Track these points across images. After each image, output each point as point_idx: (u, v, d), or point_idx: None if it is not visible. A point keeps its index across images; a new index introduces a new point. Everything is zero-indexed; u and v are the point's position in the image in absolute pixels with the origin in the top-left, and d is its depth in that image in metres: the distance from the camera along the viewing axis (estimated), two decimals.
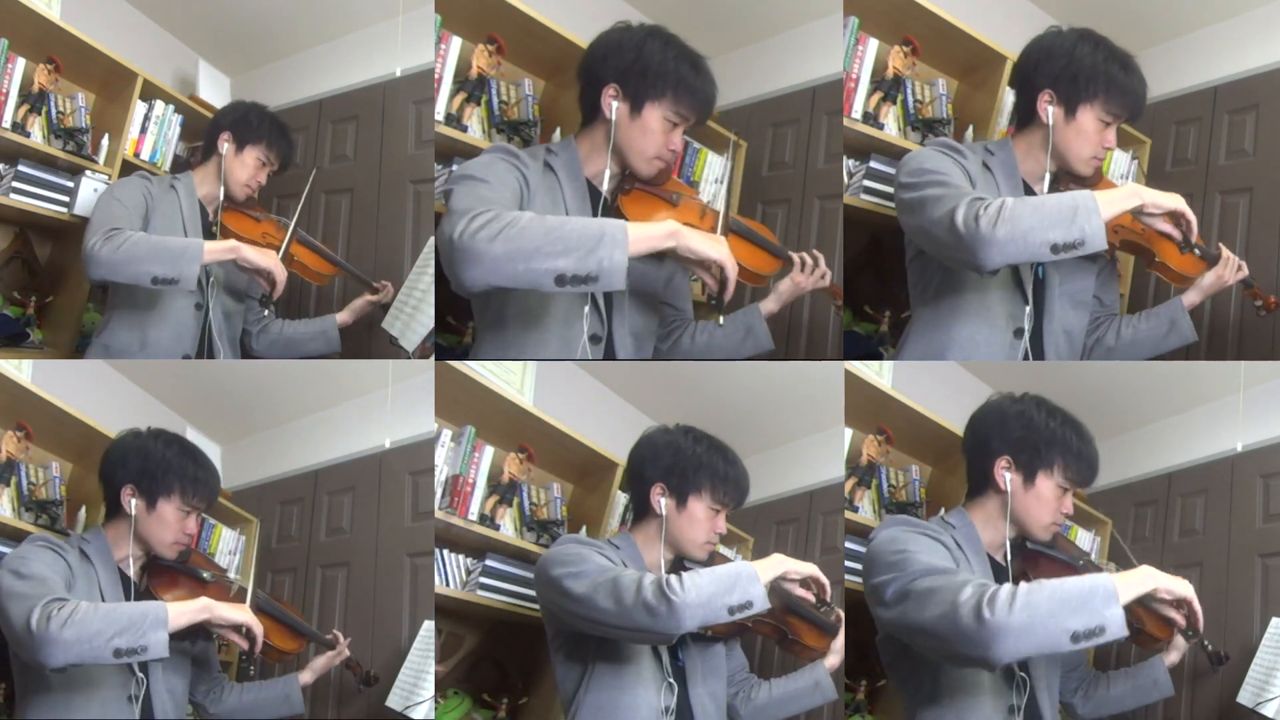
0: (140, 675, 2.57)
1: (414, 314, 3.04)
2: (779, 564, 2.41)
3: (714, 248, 2.41)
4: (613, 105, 2.56)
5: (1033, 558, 2.52)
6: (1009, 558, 2.49)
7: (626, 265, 2.30)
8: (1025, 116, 2.66)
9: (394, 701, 3.06)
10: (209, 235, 2.98)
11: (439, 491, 3.03)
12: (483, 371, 2.98)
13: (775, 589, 2.45)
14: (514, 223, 2.30)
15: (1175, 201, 2.47)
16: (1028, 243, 2.34)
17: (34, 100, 3.16)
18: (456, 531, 3.06)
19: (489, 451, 3.10)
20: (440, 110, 3.03)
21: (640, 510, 2.67)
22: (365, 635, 3.18)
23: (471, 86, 3.08)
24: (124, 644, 2.35)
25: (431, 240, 3.06)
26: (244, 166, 3.02)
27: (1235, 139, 3.19)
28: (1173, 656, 2.86)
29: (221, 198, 3.00)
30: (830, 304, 3.08)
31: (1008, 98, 3.18)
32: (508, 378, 3.09)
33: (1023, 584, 2.12)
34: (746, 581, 2.32)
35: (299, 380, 3.40)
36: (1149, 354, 2.80)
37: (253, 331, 3.13)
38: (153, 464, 2.64)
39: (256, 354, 3.15)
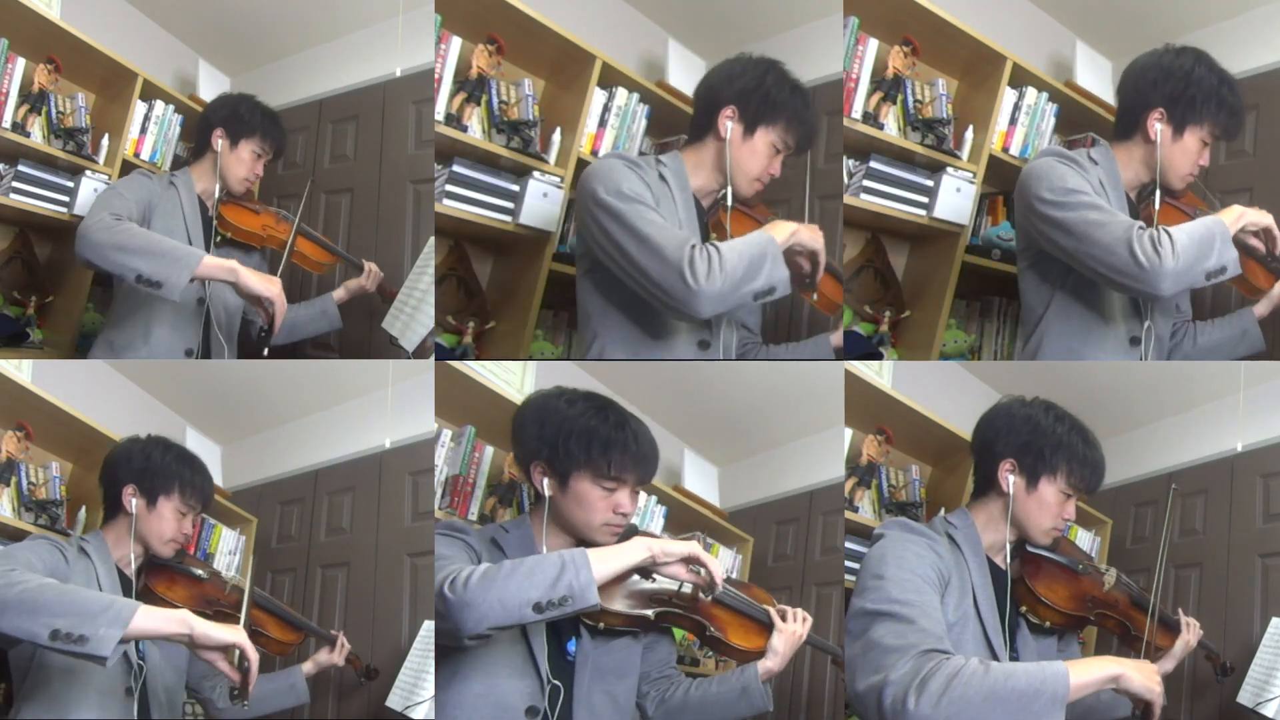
0: (139, 664, 2.56)
1: (414, 314, 3.04)
2: (640, 548, 2.14)
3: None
4: (728, 125, 2.65)
5: (1033, 560, 2.51)
6: (1009, 560, 2.48)
7: None
8: (1129, 128, 2.73)
9: (394, 701, 3.06)
10: (209, 230, 2.99)
11: (439, 491, 3.03)
12: (483, 371, 2.98)
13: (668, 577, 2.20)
14: None
15: (1267, 219, 2.62)
16: (1193, 273, 2.52)
17: (34, 100, 3.16)
18: None
19: (489, 451, 3.10)
20: (440, 110, 3.03)
21: (536, 493, 2.41)
22: (365, 635, 3.18)
23: (471, 86, 3.08)
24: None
25: (431, 240, 3.06)
26: (240, 162, 3.03)
27: (1235, 139, 3.19)
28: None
29: (218, 194, 3.01)
30: (828, 317, 3.08)
31: (1008, 97, 3.18)
32: (508, 378, 3.09)
33: (969, 665, 2.01)
34: (572, 572, 2.07)
35: (299, 380, 3.40)
36: (1221, 359, 2.91)
37: (257, 321, 3.07)
38: (153, 465, 2.68)
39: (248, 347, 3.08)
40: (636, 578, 2.21)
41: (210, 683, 2.87)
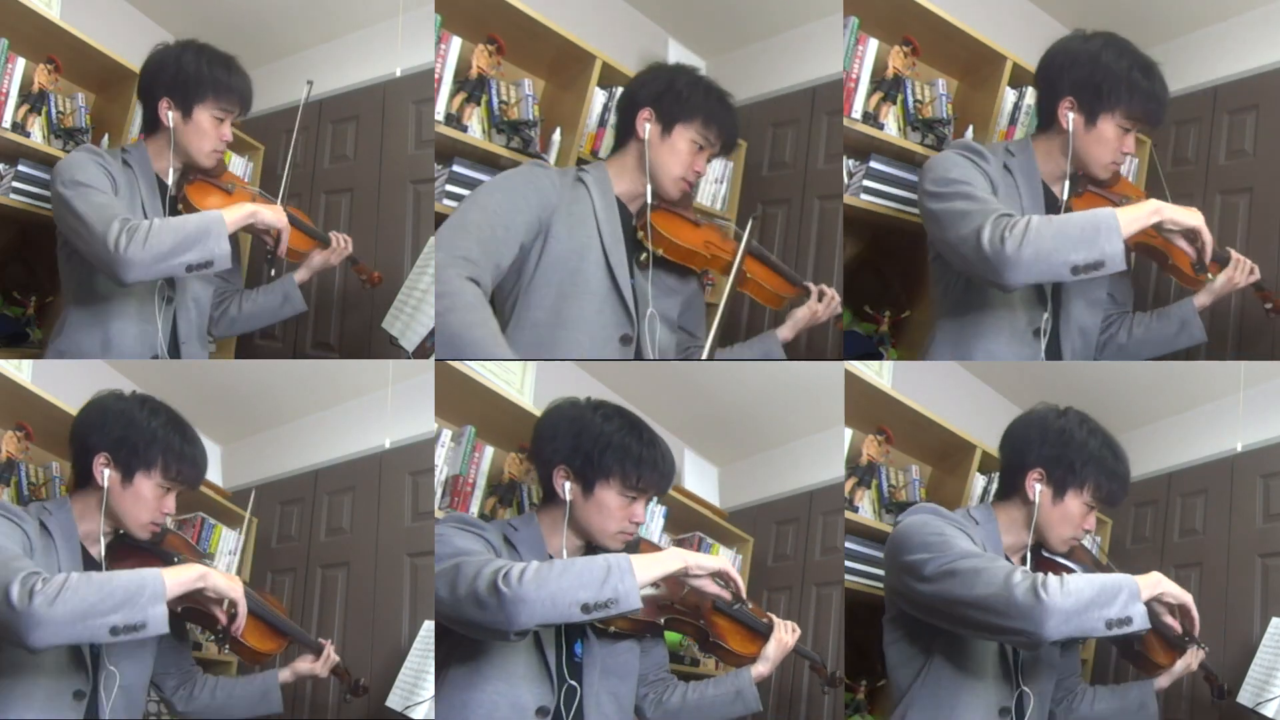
0: (90, 665, 2.32)
1: (414, 314, 3.03)
2: (674, 559, 2.24)
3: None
4: (646, 126, 2.67)
5: (1046, 565, 2.55)
6: (1028, 564, 2.51)
7: None
8: (1046, 119, 2.69)
9: (394, 701, 3.06)
10: (174, 214, 2.69)
11: (439, 491, 3.03)
12: (483, 371, 2.98)
13: (691, 589, 2.31)
14: None
15: (1194, 219, 2.50)
16: (1050, 263, 2.42)
17: (34, 100, 3.16)
18: None
19: (489, 451, 3.09)
20: (440, 110, 3.03)
21: (546, 491, 2.50)
22: (365, 635, 3.18)
23: (471, 86, 3.08)
24: (121, 620, 2.07)
25: (431, 240, 3.06)
26: (200, 133, 2.67)
27: (1235, 139, 3.19)
28: (1163, 682, 2.72)
29: (173, 174, 2.70)
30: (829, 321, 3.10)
31: (1008, 97, 3.18)
32: (508, 378, 3.09)
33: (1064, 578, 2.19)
34: (618, 576, 2.14)
35: (299, 380, 3.40)
36: (1158, 352, 2.83)
37: (214, 316, 2.91)
38: (135, 432, 2.36)
39: (216, 336, 2.96)
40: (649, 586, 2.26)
41: (174, 682, 2.68)
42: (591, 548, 2.48)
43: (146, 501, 2.37)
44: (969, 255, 2.47)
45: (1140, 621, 2.20)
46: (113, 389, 2.50)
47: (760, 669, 2.59)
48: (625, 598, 2.13)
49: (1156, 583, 2.27)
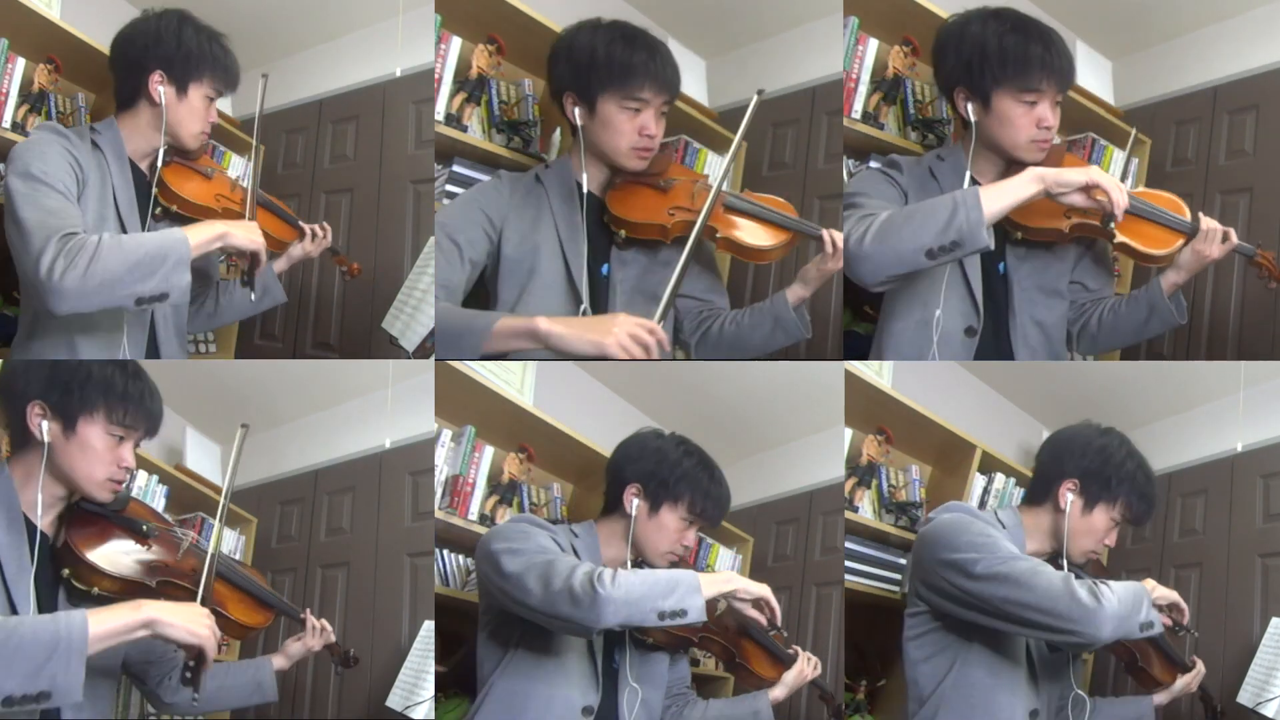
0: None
1: (414, 314, 3.03)
2: (728, 580, 2.36)
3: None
4: (574, 111, 2.59)
5: None
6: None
7: None
8: (960, 117, 2.63)
9: (394, 701, 3.06)
10: (146, 201, 2.45)
11: (439, 491, 3.03)
12: (483, 371, 2.98)
13: (730, 609, 2.47)
14: None
15: (1084, 175, 2.41)
16: (900, 252, 2.40)
17: (34, 100, 3.16)
18: (456, 531, 3.06)
19: (489, 451, 3.10)
20: (440, 110, 3.03)
21: (611, 505, 2.63)
22: (365, 635, 3.18)
23: (471, 86, 3.08)
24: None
25: (431, 240, 3.06)
26: (193, 113, 2.45)
27: (1235, 139, 3.19)
28: (1161, 698, 2.75)
29: (162, 156, 2.47)
30: (829, 316, 3.08)
31: None
32: (508, 378, 3.09)
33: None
34: (686, 590, 2.26)
35: (299, 380, 3.40)
36: (1132, 339, 2.75)
37: (190, 311, 2.68)
38: (65, 371, 2.06)
39: (193, 331, 2.87)
40: None
41: (156, 670, 2.41)
42: (637, 563, 2.61)
43: (97, 453, 2.05)
44: (848, 257, 2.48)
45: (1159, 625, 2.34)
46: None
47: (778, 693, 2.73)
48: (694, 610, 2.26)
49: (1152, 587, 2.39)
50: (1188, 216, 2.58)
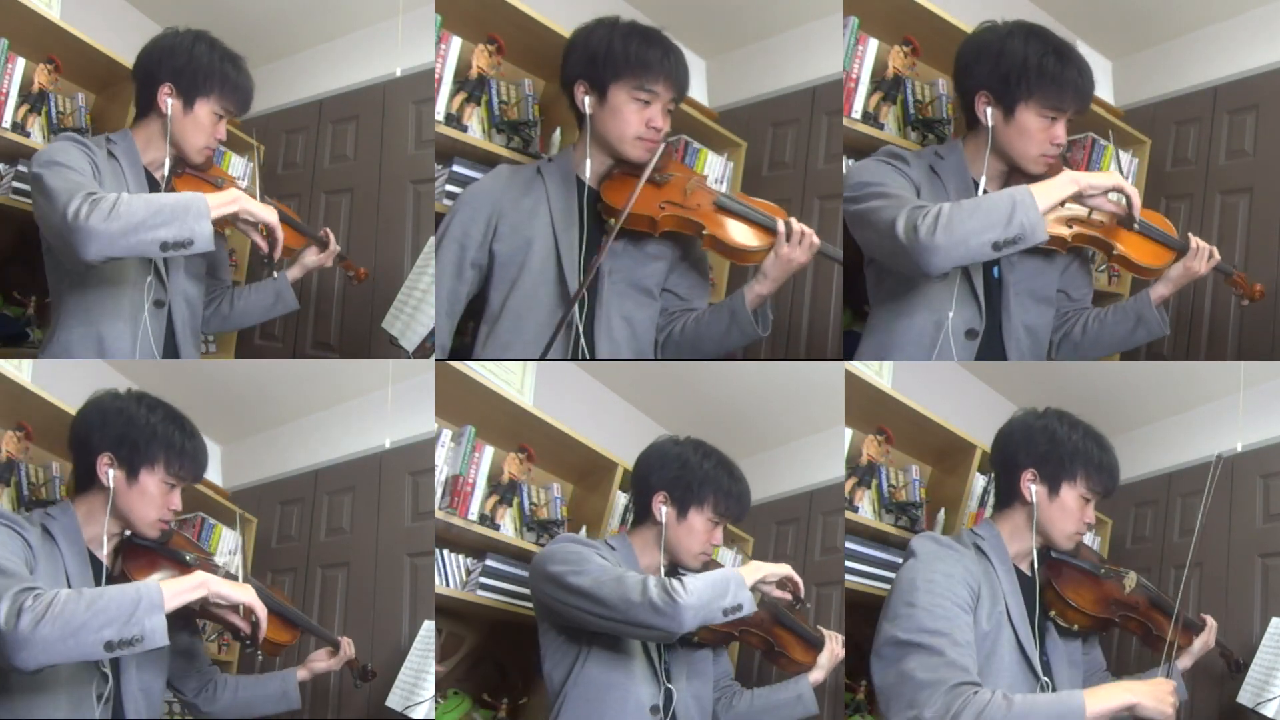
0: (106, 671, 2.30)
1: (414, 314, 3.03)
2: (756, 569, 2.53)
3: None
4: (584, 100, 2.67)
5: (1055, 565, 2.61)
6: (1035, 567, 2.56)
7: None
8: (970, 118, 2.67)
9: (394, 701, 3.06)
10: None
11: (439, 491, 3.03)
12: (483, 371, 2.98)
13: (763, 599, 2.58)
14: None
15: (1112, 179, 2.49)
16: (968, 245, 2.41)
17: (34, 100, 3.16)
18: (456, 531, 3.06)
19: (489, 451, 3.10)
20: (440, 110, 3.03)
21: (640, 515, 2.74)
22: (365, 635, 3.18)
23: (471, 86, 3.08)
24: (115, 635, 2.01)
25: (431, 240, 3.06)
26: (198, 127, 2.57)
27: (1235, 139, 3.19)
28: (1185, 661, 2.76)
29: (168, 166, 2.60)
30: (829, 314, 3.09)
31: None
32: (508, 378, 3.09)
33: (995, 698, 2.23)
34: (736, 586, 2.44)
35: (299, 380, 3.40)
36: (1117, 349, 2.80)
37: (206, 314, 2.83)
38: (135, 430, 2.34)
39: (206, 334, 2.95)
40: None
41: (195, 684, 2.72)
42: (671, 568, 2.70)
43: (153, 498, 2.37)
44: (889, 248, 2.48)
45: (749, 605, 2.45)
46: (109, 389, 2.47)
47: (816, 676, 2.84)
48: (748, 603, 2.45)
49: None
50: (1176, 235, 2.68)
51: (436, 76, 3.02)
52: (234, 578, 2.45)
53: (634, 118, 2.65)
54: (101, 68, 3.22)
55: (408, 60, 3.20)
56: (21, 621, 2.00)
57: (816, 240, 2.62)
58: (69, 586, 2.25)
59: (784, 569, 2.58)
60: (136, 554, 2.41)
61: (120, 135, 2.58)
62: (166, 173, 2.57)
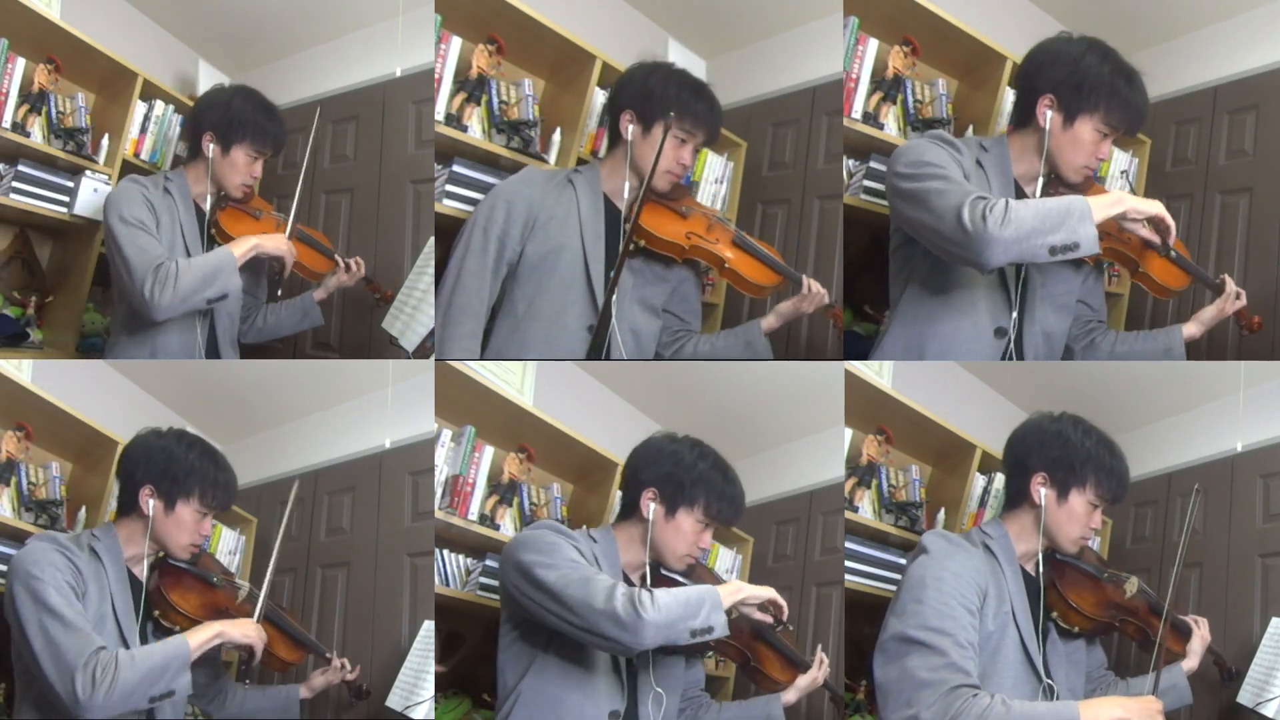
0: None
1: (414, 314, 3.03)
2: (736, 590, 2.48)
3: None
4: (629, 128, 2.85)
5: (1059, 567, 2.63)
6: (1040, 569, 2.58)
7: None
8: (1023, 117, 2.69)
9: (394, 701, 3.06)
10: (206, 236, 2.95)
11: (439, 491, 3.03)
12: (483, 371, 2.98)
13: (740, 615, 2.53)
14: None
15: (1155, 207, 2.56)
16: (1028, 245, 2.44)
17: (34, 100, 3.16)
18: (456, 531, 3.06)
19: (489, 451, 3.10)
20: (440, 110, 3.03)
21: (628, 510, 2.70)
22: (365, 635, 3.18)
23: (471, 86, 3.08)
24: (158, 691, 2.44)
25: (431, 240, 3.06)
26: (235, 168, 2.95)
27: (1235, 139, 3.19)
28: (1190, 662, 2.77)
29: (210, 200, 2.97)
30: (829, 322, 3.12)
31: (1008, 98, 3.18)
32: (508, 378, 3.09)
33: (994, 702, 2.27)
34: (710, 608, 2.39)
35: (299, 380, 3.40)
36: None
37: (242, 328, 3.10)
38: (175, 466, 2.64)
39: (244, 343, 3.11)
40: None
41: (211, 690, 2.86)
42: (653, 568, 2.65)
43: (187, 526, 2.65)
44: (946, 233, 2.49)
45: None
46: (153, 427, 2.74)
47: (789, 697, 2.77)
48: (719, 626, 2.40)
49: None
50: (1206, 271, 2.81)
51: (436, 76, 3.02)
52: (235, 576, 2.83)
53: (670, 154, 2.82)
54: (101, 68, 3.22)
55: (408, 60, 3.20)
56: (97, 690, 2.38)
57: (826, 298, 2.91)
58: (112, 602, 2.56)
59: (767, 592, 2.51)
60: (169, 572, 2.68)
61: (175, 174, 2.97)
62: (208, 206, 2.97)
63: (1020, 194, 2.68)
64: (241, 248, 2.86)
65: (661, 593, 2.37)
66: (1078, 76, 2.61)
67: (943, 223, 2.49)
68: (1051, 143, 2.64)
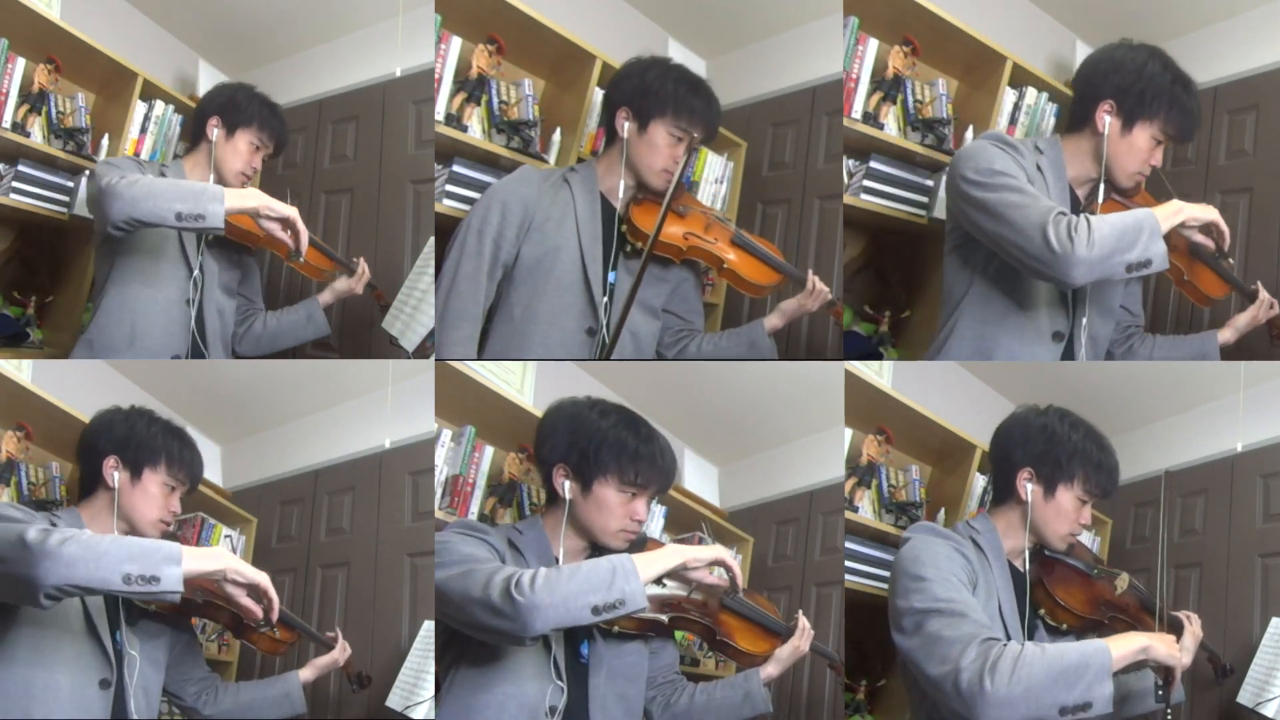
0: (111, 659, 2.41)
1: (414, 314, 3.04)
2: (674, 554, 2.26)
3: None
4: (624, 125, 2.80)
5: (1048, 563, 2.58)
6: (1027, 565, 2.54)
7: None
8: (1079, 121, 2.72)
9: (394, 701, 3.06)
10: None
11: (439, 491, 3.03)
12: (483, 371, 2.98)
13: (696, 584, 2.35)
14: None
15: (1211, 213, 2.57)
16: (1110, 263, 2.47)
17: (34, 100, 3.16)
18: None
19: (489, 451, 3.10)
20: (440, 110, 3.03)
21: (549, 494, 2.56)
22: (365, 635, 3.18)
23: (471, 86, 3.08)
24: (135, 570, 2.06)
25: (431, 240, 3.06)
26: (236, 153, 2.92)
27: (1235, 139, 3.19)
28: (1185, 659, 2.68)
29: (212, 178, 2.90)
30: (829, 321, 3.12)
31: (1008, 97, 3.18)
32: (508, 378, 3.09)
33: (1027, 648, 2.19)
34: (623, 577, 2.18)
35: (299, 380, 3.40)
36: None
37: (238, 333, 3.09)
38: (138, 435, 2.53)
39: (240, 354, 3.09)
40: (651, 584, 2.27)
41: (194, 689, 2.79)
42: (596, 549, 2.50)
43: (154, 498, 2.52)
44: (1033, 251, 2.49)
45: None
46: (114, 405, 2.63)
47: (770, 669, 2.62)
48: (632, 598, 2.18)
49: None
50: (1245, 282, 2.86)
51: (436, 76, 3.02)
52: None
53: (666, 151, 2.79)
54: (101, 68, 3.22)
55: (408, 60, 3.20)
56: (49, 540, 2.04)
57: (829, 295, 2.89)
58: None
59: (714, 551, 2.31)
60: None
61: (173, 165, 2.95)
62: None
63: (1074, 198, 2.71)
64: (238, 191, 2.71)
65: (554, 571, 2.18)
66: (1141, 84, 2.64)
67: (1027, 240, 2.49)
68: (1109, 148, 2.67)
